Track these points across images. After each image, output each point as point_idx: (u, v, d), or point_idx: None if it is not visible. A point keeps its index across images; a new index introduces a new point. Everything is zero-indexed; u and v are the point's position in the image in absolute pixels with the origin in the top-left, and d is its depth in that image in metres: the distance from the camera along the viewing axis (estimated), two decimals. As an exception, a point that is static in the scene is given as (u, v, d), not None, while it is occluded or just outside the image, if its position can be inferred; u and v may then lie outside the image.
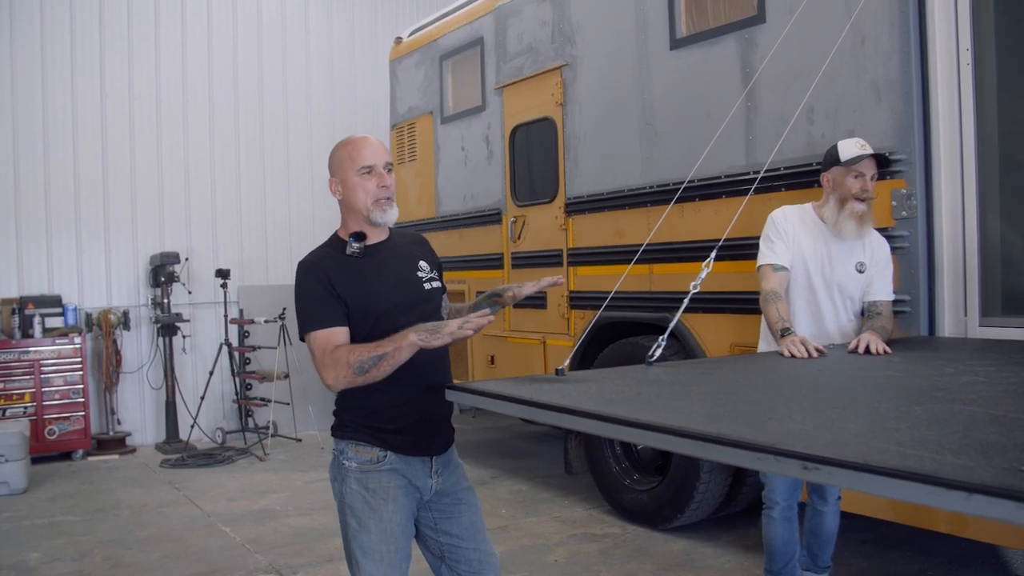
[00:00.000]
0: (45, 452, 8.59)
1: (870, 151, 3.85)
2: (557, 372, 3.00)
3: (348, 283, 2.82)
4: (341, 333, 2.78)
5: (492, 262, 7.21)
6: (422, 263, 3.04)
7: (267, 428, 9.18)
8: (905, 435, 1.91)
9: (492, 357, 7.17)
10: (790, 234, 3.92)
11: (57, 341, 8.77)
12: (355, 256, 2.87)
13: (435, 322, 2.67)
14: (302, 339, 2.87)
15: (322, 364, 2.73)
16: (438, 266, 3.12)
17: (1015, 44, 4.16)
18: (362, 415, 2.86)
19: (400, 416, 2.85)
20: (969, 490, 1.47)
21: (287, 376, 9.13)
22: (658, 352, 3.26)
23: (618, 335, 5.94)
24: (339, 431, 2.93)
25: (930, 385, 2.71)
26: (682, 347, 5.36)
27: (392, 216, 2.92)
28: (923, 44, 4.18)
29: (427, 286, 3.00)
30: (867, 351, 3.51)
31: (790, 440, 1.87)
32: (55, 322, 8.93)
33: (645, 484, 5.82)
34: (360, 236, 2.89)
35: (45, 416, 8.61)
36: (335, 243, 2.95)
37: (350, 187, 2.89)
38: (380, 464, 2.84)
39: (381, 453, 2.84)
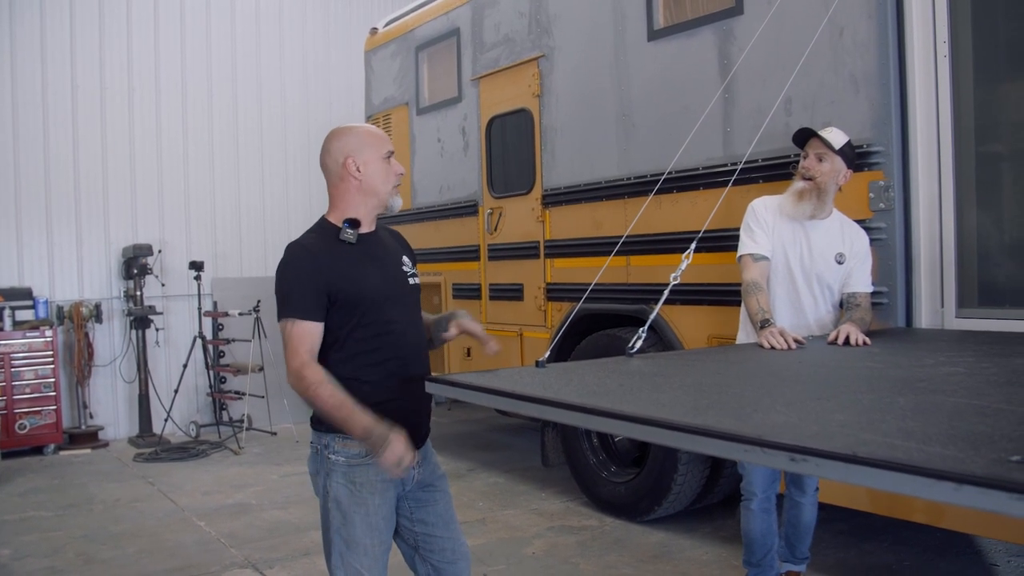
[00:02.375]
0: (15, 447, 8.48)
1: (820, 132, 3.91)
2: (537, 364, 3.00)
3: (340, 269, 2.80)
4: (317, 331, 2.77)
5: (468, 254, 7.19)
6: (404, 258, 3.06)
7: (242, 421, 9.12)
8: (891, 426, 1.90)
9: (468, 349, 7.15)
10: (770, 223, 3.93)
11: (28, 334, 8.65)
12: (348, 243, 2.85)
13: (381, 436, 2.66)
14: (279, 319, 2.84)
15: (290, 363, 2.75)
16: (415, 263, 3.13)
17: (992, 36, 4.17)
18: None
19: (388, 411, 2.84)
20: (959, 481, 1.47)
21: (262, 369, 9.06)
22: (639, 344, 3.26)
23: (595, 327, 5.93)
24: (323, 424, 2.87)
25: (911, 376, 2.71)
26: (660, 339, 5.35)
27: (399, 203, 2.99)
28: (900, 36, 4.19)
29: (411, 280, 3.02)
30: (847, 342, 3.52)
31: (776, 432, 1.86)
32: (26, 315, 8.80)
33: (622, 476, 5.82)
34: (355, 223, 2.88)
35: (15, 410, 8.49)
36: (327, 228, 2.91)
37: (374, 170, 2.89)
38: (367, 457, 2.82)
39: None
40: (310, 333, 2.76)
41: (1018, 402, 2.19)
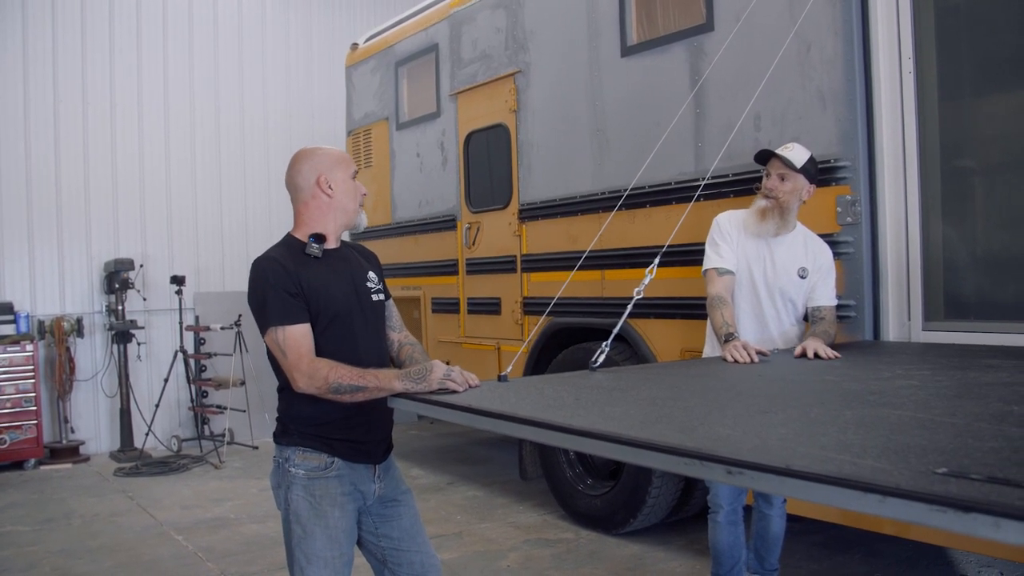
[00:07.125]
0: (-4, 462, 8.46)
1: (779, 151, 3.95)
2: (500, 378, 3.03)
3: (309, 282, 2.84)
4: (307, 331, 2.81)
5: (447, 268, 7.21)
6: (371, 274, 3.10)
7: (223, 436, 9.12)
8: (830, 439, 1.93)
9: (446, 363, 7.14)
10: (735, 238, 3.97)
11: (8, 349, 8.63)
12: (314, 256, 2.90)
13: (418, 368, 2.79)
14: (263, 333, 2.85)
15: (296, 367, 2.74)
16: (383, 279, 3.18)
17: (955, 53, 4.23)
18: (310, 424, 2.87)
19: (349, 427, 2.88)
20: (883, 493, 1.50)
21: (243, 383, 9.07)
22: (601, 358, 3.28)
23: (572, 341, 5.96)
24: (284, 438, 2.93)
25: (865, 389, 2.74)
26: (634, 352, 5.38)
27: (364, 220, 3.10)
28: (866, 53, 4.25)
29: (374, 297, 3.06)
30: (815, 356, 3.55)
31: (716, 445, 1.89)
32: (6, 329, 8.78)
33: (599, 489, 5.83)
34: (320, 238, 2.94)
35: (-4, 425, 8.48)
36: (292, 243, 2.96)
37: (344, 189, 2.98)
38: (327, 471, 2.87)
39: (328, 459, 2.87)
40: (303, 335, 2.79)
41: (961, 415, 2.22)
